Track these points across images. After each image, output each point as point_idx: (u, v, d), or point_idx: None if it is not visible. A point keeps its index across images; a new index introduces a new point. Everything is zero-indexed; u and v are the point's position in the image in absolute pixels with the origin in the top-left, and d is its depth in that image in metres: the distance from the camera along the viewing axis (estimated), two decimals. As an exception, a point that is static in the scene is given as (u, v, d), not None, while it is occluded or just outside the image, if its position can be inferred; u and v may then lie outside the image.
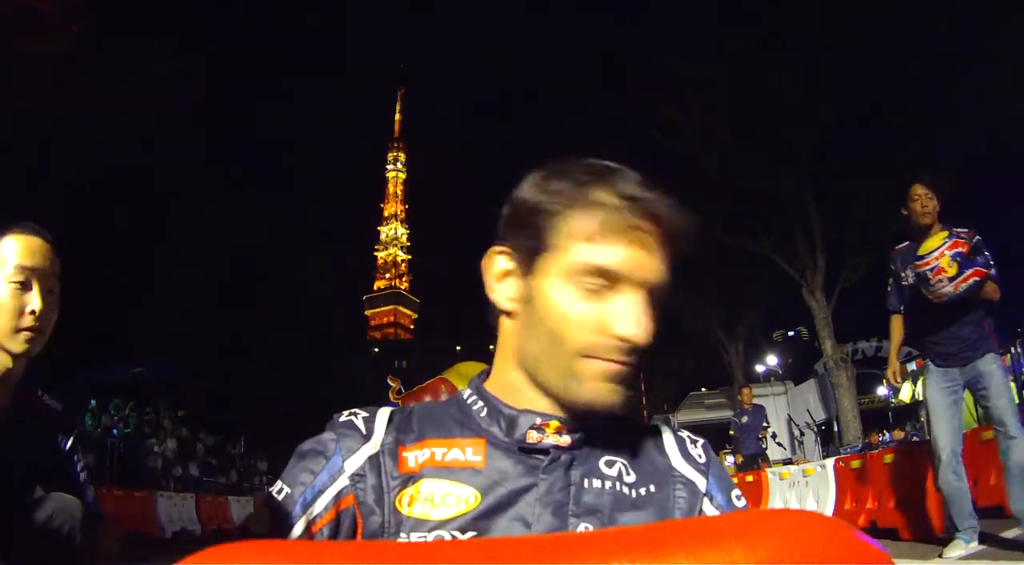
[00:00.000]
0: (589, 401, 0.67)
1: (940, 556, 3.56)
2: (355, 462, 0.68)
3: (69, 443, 1.48)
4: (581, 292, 0.66)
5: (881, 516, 5.82)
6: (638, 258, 0.65)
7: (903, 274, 3.56)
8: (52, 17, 13.14)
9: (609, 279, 0.65)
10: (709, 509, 0.73)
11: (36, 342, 1.30)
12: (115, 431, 12.54)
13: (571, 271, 0.66)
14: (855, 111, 13.97)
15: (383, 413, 0.74)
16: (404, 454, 0.69)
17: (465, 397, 0.75)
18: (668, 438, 0.77)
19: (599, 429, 0.72)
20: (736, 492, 0.76)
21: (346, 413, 0.73)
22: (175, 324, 17.95)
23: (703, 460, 0.76)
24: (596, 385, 0.67)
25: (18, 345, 1.28)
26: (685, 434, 0.78)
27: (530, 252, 0.69)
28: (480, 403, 0.73)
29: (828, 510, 6.62)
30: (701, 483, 0.74)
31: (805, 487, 7.40)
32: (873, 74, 13.32)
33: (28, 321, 1.27)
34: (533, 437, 0.69)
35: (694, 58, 14.90)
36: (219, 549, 0.45)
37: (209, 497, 12.82)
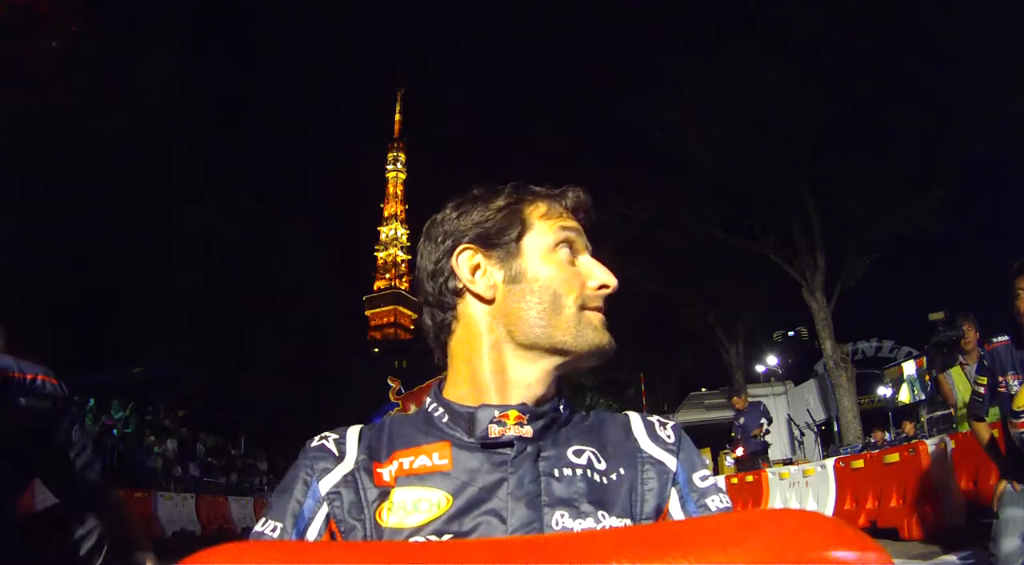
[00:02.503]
0: (600, 345, 0.77)
1: None
2: (329, 482, 0.70)
3: (65, 416, 1.51)
4: (561, 260, 0.78)
5: (881, 516, 5.82)
6: (579, 230, 0.81)
7: (1001, 379, 2.85)
8: (50, 17, 13.13)
9: (572, 247, 0.80)
10: (671, 492, 0.74)
11: None
12: (115, 431, 12.51)
13: (549, 245, 0.78)
14: (855, 111, 13.97)
15: (353, 432, 0.76)
16: (378, 470, 0.71)
17: (427, 406, 0.77)
18: (636, 423, 0.79)
19: (563, 420, 0.76)
20: (701, 473, 0.76)
21: (317, 438, 0.75)
22: (175, 324, 17.94)
23: (672, 440, 0.77)
24: (601, 331, 0.77)
25: None
26: (655, 418, 0.81)
27: (506, 239, 0.78)
28: (441, 409, 0.75)
29: (828, 510, 6.62)
30: (671, 463, 0.75)
31: (805, 487, 7.40)
32: (873, 74, 13.31)
33: None
34: (495, 431, 0.70)
35: (694, 59, 14.91)
36: (219, 549, 0.45)
37: (209, 497, 12.79)
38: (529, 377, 0.75)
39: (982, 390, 2.95)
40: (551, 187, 0.83)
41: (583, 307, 0.76)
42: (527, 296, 0.75)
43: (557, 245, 0.78)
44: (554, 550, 0.43)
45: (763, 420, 9.19)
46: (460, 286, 0.78)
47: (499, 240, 0.78)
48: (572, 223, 0.80)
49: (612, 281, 0.78)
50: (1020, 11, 11.45)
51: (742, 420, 9.35)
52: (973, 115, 12.69)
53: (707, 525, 0.44)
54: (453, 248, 0.78)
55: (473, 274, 0.77)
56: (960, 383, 4.69)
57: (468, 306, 0.78)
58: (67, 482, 1.51)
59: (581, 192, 0.83)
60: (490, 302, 0.77)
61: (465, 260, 0.78)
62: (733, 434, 9.68)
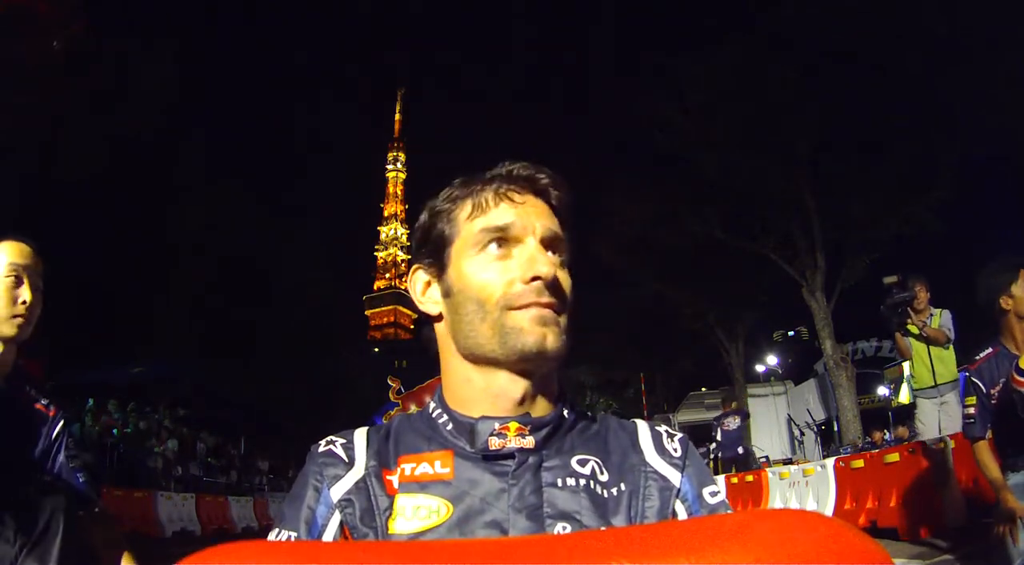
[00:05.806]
0: (529, 347, 0.69)
1: None
2: (341, 489, 0.70)
3: (55, 432, 1.59)
4: (488, 259, 0.72)
5: (881, 516, 5.81)
6: (523, 214, 0.73)
7: (991, 392, 2.76)
8: (50, 17, 13.14)
9: (506, 238, 0.72)
10: (679, 507, 0.71)
11: (24, 329, 1.52)
12: (115, 431, 12.51)
13: (473, 245, 0.73)
14: (855, 111, 13.98)
15: (360, 436, 0.75)
16: (388, 477, 0.70)
17: (431, 411, 0.76)
18: (644, 433, 0.77)
19: (568, 425, 0.73)
20: (711, 489, 0.74)
21: (323, 443, 0.74)
22: (175, 324, 17.94)
23: (679, 454, 0.75)
24: (530, 331, 0.69)
25: (10, 329, 1.49)
26: (663, 429, 0.78)
27: (439, 251, 0.75)
28: (445, 416, 0.74)
29: (828, 510, 6.62)
30: (675, 478, 0.73)
31: (805, 487, 7.39)
32: (873, 74, 13.31)
33: (20, 309, 1.51)
34: (495, 443, 0.69)
35: (695, 59, 14.92)
36: (219, 549, 0.45)
37: (209, 497, 12.79)
38: (495, 388, 0.71)
39: (972, 411, 2.81)
40: (500, 167, 0.76)
41: (508, 307, 0.70)
42: (459, 309, 0.72)
43: (484, 245, 0.72)
44: (555, 550, 0.43)
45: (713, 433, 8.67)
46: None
47: (433, 256, 0.76)
48: (502, 215, 0.72)
49: (543, 270, 0.70)
50: (1020, 11, 11.45)
51: None
52: (973, 115, 12.69)
53: (707, 525, 0.44)
54: (410, 267, 0.79)
55: (424, 293, 0.77)
56: (913, 339, 5.14)
57: (433, 322, 0.78)
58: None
59: (516, 168, 0.75)
60: (439, 319, 0.76)
61: (417, 280, 0.77)
62: None
